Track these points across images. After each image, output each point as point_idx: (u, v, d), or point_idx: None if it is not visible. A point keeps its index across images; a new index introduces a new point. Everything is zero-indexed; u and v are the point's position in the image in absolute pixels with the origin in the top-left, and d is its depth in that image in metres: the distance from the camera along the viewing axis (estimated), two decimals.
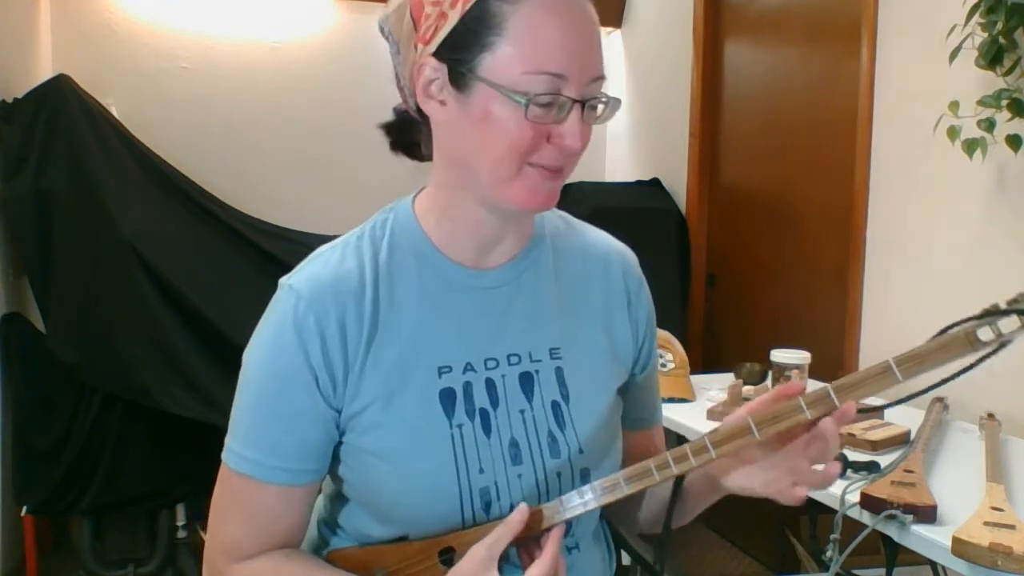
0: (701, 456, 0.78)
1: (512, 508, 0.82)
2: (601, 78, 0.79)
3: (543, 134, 0.77)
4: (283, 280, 0.85)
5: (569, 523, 0.87)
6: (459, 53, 0.77)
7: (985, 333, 0.71)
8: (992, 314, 0.71)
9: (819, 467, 0.79)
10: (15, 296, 2.54)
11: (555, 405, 0.88)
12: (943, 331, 0.73)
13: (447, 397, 0.84)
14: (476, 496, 0.83)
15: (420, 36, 0.79)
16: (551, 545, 0.78)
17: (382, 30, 0.85)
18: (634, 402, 1.00)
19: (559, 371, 0.89)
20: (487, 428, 0.84)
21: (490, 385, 0.86)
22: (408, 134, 0.90)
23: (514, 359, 0.87)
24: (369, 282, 0.84)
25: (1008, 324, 0.71)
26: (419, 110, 0.84)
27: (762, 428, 0.76)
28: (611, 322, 0.94)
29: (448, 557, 0.82)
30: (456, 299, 0.86)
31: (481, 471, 0.83)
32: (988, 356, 0.72)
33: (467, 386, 0.85)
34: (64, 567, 2.56)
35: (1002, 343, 0.71)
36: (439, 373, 0.84)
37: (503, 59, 0.75)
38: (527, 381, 0.87)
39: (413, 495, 0.83)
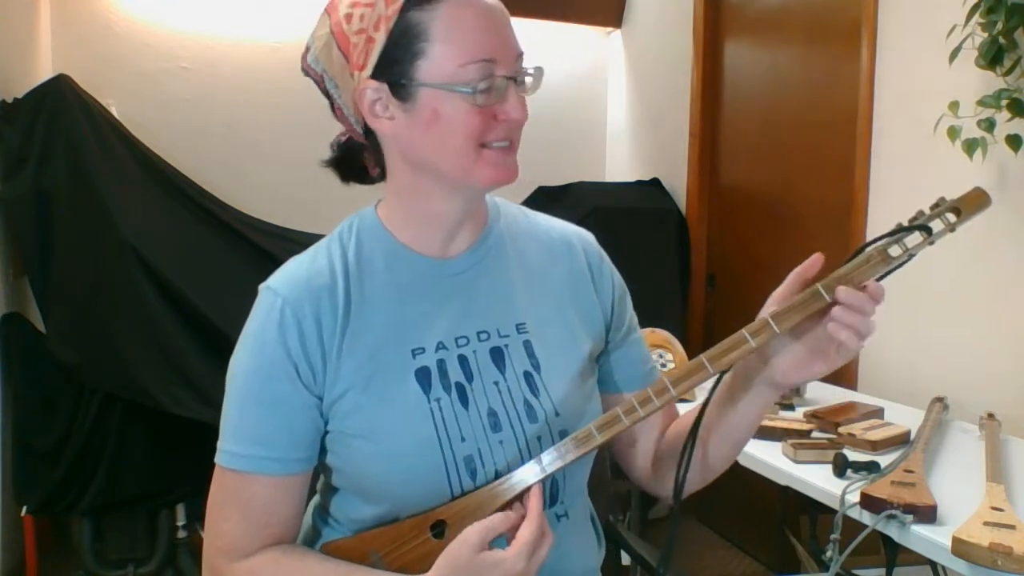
0: (664, 396, 0.85)
1: (497, 474, 0.88)
2: (522, 54, 0.87)
3: (490, 116, 0.85)
4: (262, 285, 0.92)
5: (556, 491, 0.93)
6: (395, 68, 0.84)
7: (894, 250, 0.82)
8: (899, 231, 0.82)
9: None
10: (15, 296, 2.53)
11: (527, 375, 0.93)
12: (858, 251, 0.83)
13: (422, 375, 0.89)
14: (461, 464, 0.87)
15: (353, 64, 0.86)
16: (534, 503, 0.82)
17: (307, 73, 0.92)
18: (624, 363, 1.05)
19: (527, 344, 0.94)
20: (464, 400, 0.89)
21: (463, 361, 0.91)
22: (354, 161, 0.98)
23: (483, 336, 0.93)
24: (340, 277, 0.90)
25: (913, 240, 0.83)
26: (365, 133, 0.92)
27: (714, 361, 0.84)
28: (577, 297, 1.00)
29: (440, 530, 0.85)
30: (424, 288, 0.93)
31: (463, 439, 0.88)
32: (898, 267, 0.83)
33: (441, 363, 0.90)
34: (64, 567, 2.55)
35: (909, 256, 0.82)
36: (413, 354, 0.90)
37: (437, 61, 0.83)
38: (498, 355, 0.93)
39: (400, 471, 0.86)
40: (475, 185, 0.88)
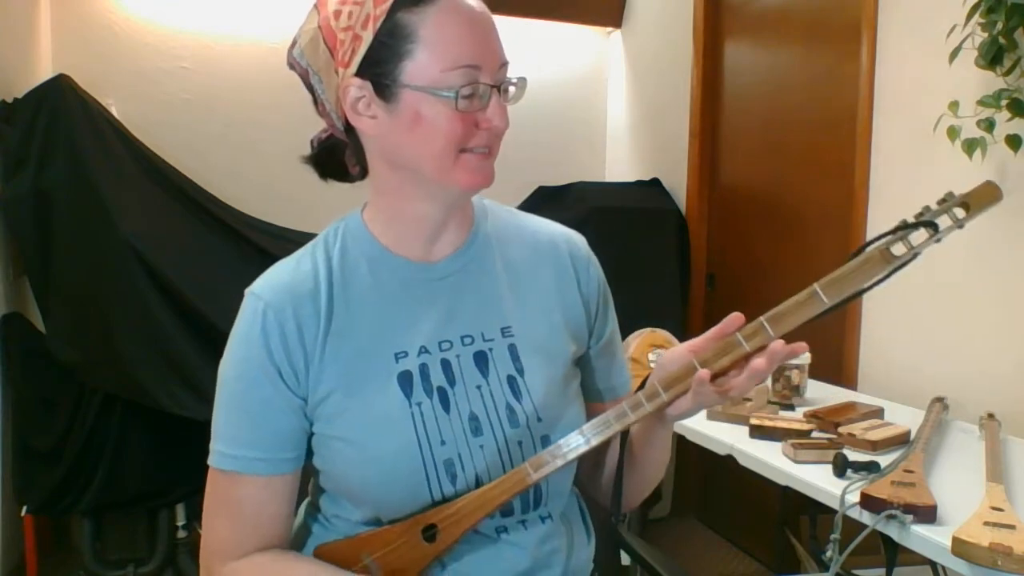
0: (655, 400, 0.85)
1: (477, 478, 0.89)
2: (507, 63, 0.88)
3: (471, 122, 0.86)
4: (247, 289, 0.93)
5: (539, 496, 0.94)
6: (380, 67, 0.85)
7: (898, 248, 0.78)
8: (903, 228, 0.78)
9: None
10: (15, 296, 2.53)
11: (511, 379, 0.93)
12: (859, 251, 0.79)
13: (404, 379, 0.90)
14: (440, 468, 0.88)
15: (339, 61, 0.87)
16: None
17: (292, 67, 0.94)
18: (599, 372, 1.05)
19: (512, 348, 0.95)
20: (446, 404, 0.90)
21: (446, 365, 0.92)
22: (334, 158, 0.99)
23: (467, 340, 0.93)
24: (323, 282, 0.91)
25: (918, 237, 0.78)
26: (346, 130, 0.92)
27: (706, 365, 0.83)
28: (564, 300, 1.00)
29: (432, 533, 0.87)
30: (408, 292, 0.93)
31: (443, 443, 0.89)
32: (902, 267, 0.79)
33: (423, 367, 0.91)
34: (64, 567, 2.56)
35: (914, 255, 0.78)
36: (396, 359, 0.91)
37: (422, 63, 0.83)
38: (481, 359, 0.93)
39: (380, 474, 0.88)
40: (452, 188, 0.89)
